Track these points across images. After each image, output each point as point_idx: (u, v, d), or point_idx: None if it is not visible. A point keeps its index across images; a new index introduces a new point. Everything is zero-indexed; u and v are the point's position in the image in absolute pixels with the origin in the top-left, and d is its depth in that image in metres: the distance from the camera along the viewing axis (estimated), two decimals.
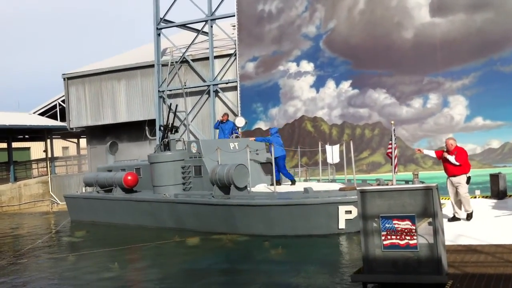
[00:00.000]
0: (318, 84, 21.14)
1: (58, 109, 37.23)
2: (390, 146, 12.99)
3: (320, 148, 17.83)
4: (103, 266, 12.10)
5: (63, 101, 32.28)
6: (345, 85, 20.55)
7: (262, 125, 22.23)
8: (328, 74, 20.95)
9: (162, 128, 20.50)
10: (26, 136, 36.94)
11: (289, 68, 21.82)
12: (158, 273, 11.26)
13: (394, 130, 12.99)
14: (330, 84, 20.84)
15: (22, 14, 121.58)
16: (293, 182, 16.62)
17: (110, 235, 17.32)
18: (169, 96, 24.28)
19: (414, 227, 6.60)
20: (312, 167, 19.68)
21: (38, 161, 35.63)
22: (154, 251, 13.86)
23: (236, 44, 22.99)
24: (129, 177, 19.11)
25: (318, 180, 17.73)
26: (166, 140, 19.16)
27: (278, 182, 16.27)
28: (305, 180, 18.75)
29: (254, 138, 17.87)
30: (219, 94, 24.19)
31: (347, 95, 20.51)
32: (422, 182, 14.09)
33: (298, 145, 19.62)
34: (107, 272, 11.51)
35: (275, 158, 15.86)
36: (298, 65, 21.62)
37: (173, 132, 19.73)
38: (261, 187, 16.19)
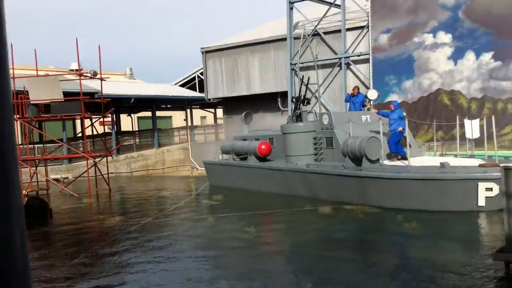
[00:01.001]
0: (456, 56, 20.23)
1: (197, 81, 39.42)
2: None
3: (458, 122, 17.19)
4: (240, 228, 12.71)
5: (201, 73, 34.07)
6: (486, 57, 19.45)
7: (395, 98, 21.79)
8: (467, 45, 19.96)
9: (294, 99, 20.97)
10: (169, 106, 39.55)
11: (424, 39, 21.10)
12: (290, 239, 11.65)
13: None
14: (470, 56, 19.85)
15: None
16: (404, 158, 16.19)
17: (245, 200, 18.20)
18: (301, 69, 24.66)
19: None
20: (449, 141, 19.05)
21: (179, 129, 38.07)
22: (287, 218, 14.28)
23: (369, 16, 22.64)
24: (263, 146, 19.94)
25: (455, 155, 17.16)
26: (298, 112, 19.60)
27: (404, 158, 16.01)
28: (441, 155, 18.23)
29: (376, 111, 17.58)
30: (350, 66, 24.09)
31: (488, 68, 19.42)
32: None
33: (434, 119, 19.05)
34: (244, 234, 12.07)
35: (393, 132, 15.74)
36: (434, 36, 20.83)
37: (304, 104, 20.11)
38: (395, 161, 16.07)
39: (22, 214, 1.34)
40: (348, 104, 19.93)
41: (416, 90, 21.28)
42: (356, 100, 19.16)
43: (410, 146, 16.18)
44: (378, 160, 15.51)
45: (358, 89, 19.56)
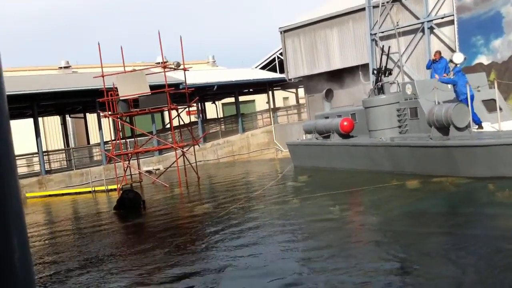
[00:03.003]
0: None
1: (277, 62, 39.38)
2: None
3: None
4: (325, 209, 12.55)
5: (281, 54, 33.97)
6: None
7: (483, 59, 20.53)
8: None
9: (375, 71, 20.32)
10: (251, 90, 39.87)
11: None
12: (377, 216, 11.34)
13: None
14: None
15: None
16: (480, 126, 15.11)
17: (330, 179, 17.98)
18: (382, 38, 23.82)
19: None
20: None
21: (262, 112, 38.34)
22: (373, 195, 13.92)
23: None
24: (345, 123, 19.54)
25: None
26: (380, 84, 18.98)
27: (480, 126, 14.99)
28: None
29: (437, 78, 16.35)
30: (434, 30, 22.90)
31: None
32: None
33: None
34: (329, 214, 11.94)
35: (461, 100, 14.69)
36: None
37: (386, 75, 19.41)
38: (485, 126, 15.15)
39: (22, 221, 1.34)
40: (430, 71, 18.93)
41: (506, 49, 19.86)
42: (438, 66, 18.03)
43: (501, 109, 15.17)
44: (466, 127, 14.68)
45: (440, 53, 18.37)
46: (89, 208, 19.26)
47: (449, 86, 15.91)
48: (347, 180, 16.90)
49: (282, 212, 13.15)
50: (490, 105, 15.82)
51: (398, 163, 16.36)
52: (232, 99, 39.06)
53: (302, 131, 23.61)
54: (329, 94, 23.21)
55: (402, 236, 9.45)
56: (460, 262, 7.49)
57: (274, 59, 40.07)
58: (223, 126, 34.89)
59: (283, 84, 36.24)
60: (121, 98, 22.64)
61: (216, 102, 42.86)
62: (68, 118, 36.47)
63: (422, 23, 22.99)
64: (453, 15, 21.46)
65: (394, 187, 14.42)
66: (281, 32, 30.57)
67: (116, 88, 22.57)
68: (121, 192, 18.89)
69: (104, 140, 28.61)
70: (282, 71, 35.05)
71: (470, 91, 14.67)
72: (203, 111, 38.96)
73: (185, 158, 23.72)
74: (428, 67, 18.91)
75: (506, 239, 8.36)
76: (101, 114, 25.74)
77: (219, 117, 39.65)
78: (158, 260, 9.75)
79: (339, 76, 26.91)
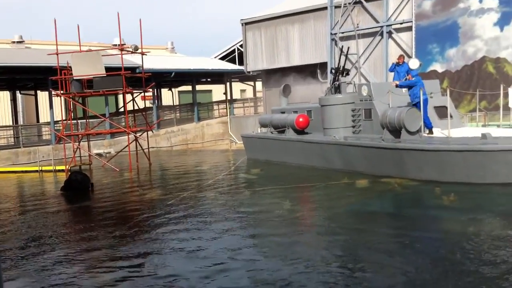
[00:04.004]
0: (503, 22, 19.34)
1: (236, 53, 39.28)
2: None
3: (502, 91, 16.50)
4: (275, 202, 12.68)
5: (241, 46, 33.90)
6: None
7: (438, 67, 21.15)
8: None
9: (333, 71, 20.59)
10: (208, 80, 39.64)
11: (470, 5, 20.24)
12: (326, 213, 11.49)
13: None
14: None
15: None
16: (431, 131, 15.59)
17: (282, 173, 18.11)
18: (341, 39, 24.17)
19: None
20: (492, 111, 18.34)
21: (218, 102, 38.21)
22: (324, 191, 14.11)
23: None
24: (300, 119, 19.74)
25: (498, 126, 16.53)
26: (337, 83, 19.24)
27: (431, 131, 15.47)
28: (484, 126, 17.61)
29: (397, 83, 16.64)
30: (392, 35, 23.40)
31: None
32: None
33: (477, 88, 18.36)
34: (279, 207, 12.04)
35: (415, 103, 15.15)
36: (480, 1, 19.97)
37: (344, 75, 19.70)
38: (435, 132, 15.62)
39: None
40: (393, 74, 19.31)
41: (460, 59, 20.53)
42: (400, 70, 18.43)
43: (451, 116, 15.68)
44: (417, 131, 15.10)
45: (403, 57, 18.74)
46: (35, 188, 18.73)
47: (404, 90, 16.29)
48: (299, 176, 17.08)
49: (231, 202, 13.19)
50: (441, 111, 16.32)
51: (350, 161, 16.66)
52: (189, 88, 38.76)
53: (258, 124, 23.68)
54: (286, 90, 23.36)
55: (347, 233, 9.62)
56: (403, 261, 7.70)
57: (234, 51, 39.99)
58: (178, 114, 34.55)
59: (241, 76, 36.23)
60: (74, 78, 22.07)
61: (173, 89, 42.40)
62: (18, 95, 35.27)
63: (382, 27, 23.44)
64: (412, 21, 21.99)
65: (344, 185, 14.67)
66: (242, 24, 30.51)
67: (70, 67, 21.98)
68: (69, 173, 18.46)
69: (55, 120, 27.85)
70: (241, 63, 35.04)
71: (424, 95, 15.09)
72: (158, 97, 38.48)
73: (137, 143, 23.38)
74: (391, 70, 19.27)
75: (448, 241, 8.66)
76: (53, 92, 25.02)
77: (174, 104, 39.23)
78: (103, 244, 9.64)
79: (297, 72, 27.12)
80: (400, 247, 8.54)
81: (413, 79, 15.59)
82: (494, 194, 12.18)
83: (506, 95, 16.14)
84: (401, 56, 18.74)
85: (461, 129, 15.89)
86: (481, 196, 12.12)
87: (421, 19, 21.61)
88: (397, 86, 16.39)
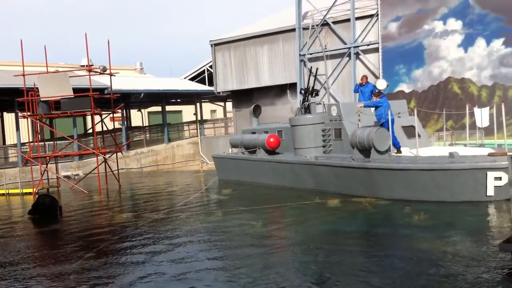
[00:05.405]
0: (467, 43, 19.93)
1: (206, 74, 39.36)
2: None
3: (467, 111, 16.92)
4: (247, 223, 12.66)
5: (210, 66, 34.01)
6: (497, 43, 19.14)
7: (405, 87, 21.60)
8: (478, 32, 19.64)
9: (302, 91, 20.81)
10: (178, 100, 39.57)
11: (434, 27, 20.81)
12: (298, 233, 11.51)
13: None
14: (480, 42, 19.53)
15: None
16: (399, 150, 15.84)
17: (254, 194, 18.09)
18: (310, 60, 24.49)
19: None
20: (459, 131, 18.79)
21: (189, 123, 38.09)
22: (295, 211, 14.17)
23: (378, 4, 22.38)
24: (271, 139, 19.83)
25: (465, 145, 16.92)
26: (307, 103, 19.43)
27: (399, 150, 15.73)
28: (451, 145, 18.00)
29: (363, 104, 16.69)
30: (360, 56, 23.84)
31: (499, 54, 19.11)
32: None
33: (444, 108, 18.80)
34: (251, 228, 12.03)
35: (382, 123, 15.43)
36: (444, 23, 20.53)
37: (313, 95, 19.92)
38: (403, 151, 15.88)
39: None
40: (358, 94, 19.62)
41: (426, 79, 21.03)
42: (365, 90, 18.74)
43: (419, 136, 15.97)
44: (387, 151, 15.32)
45: (367, 78, 19.11)
46: (1, 212, 18.25)
47: (372, 109, 16.52)
48: (271, 196, 17.10)
49: (203, 224, 13.10)
50: (409, 131, 16.62)
51: (321, 181, 16.77)
52: (158, 108, 38.60)
53: (229, 145, 23.67)
54: (257, 110, 23.47)
55: (319, 252, 9.65)
56: (374, 279, 7.76)
57: (203, 71, 40.07)
58: (148, 135, 34.32)
59: (211, 97, 36.27)
60: (42, 99, 21.75)
61: (142, 110, 42.14)
62: None
63: (349, 48, 23.87)
64: (378, 43, 22.46)
65: (316, 204, 14.73)
66: (211, 45, 30.65)
67: (37, 88, 21.67)
68: (37, 196, 18.07)
69: (22, 142, 27.31)
70: (211, 83, 35.10)
71: (391, 115, 15.35)
72: (128, 118, 38.16)
73: (106, 165, 23.09)
74: (355, 91, 19.57)
75: (418, 259, 8.77)
76: (20, 114, 24.59)
77: (144, 125, 38.97)
78: (73, 268, 9.46)
79: (267, 92, 27.35)
80: (372, 265, 8.61)
81: (379, 99, 15.86)
82: (462, 212, 12.40)
83: (472, 114, 16.56)
84: (364, 77, 18.93)
85: (429, 148, 16.19)
86: (450, 214, 12.33)
87: (387, 41, 22.10)
88: (362, 107, 16.52)
